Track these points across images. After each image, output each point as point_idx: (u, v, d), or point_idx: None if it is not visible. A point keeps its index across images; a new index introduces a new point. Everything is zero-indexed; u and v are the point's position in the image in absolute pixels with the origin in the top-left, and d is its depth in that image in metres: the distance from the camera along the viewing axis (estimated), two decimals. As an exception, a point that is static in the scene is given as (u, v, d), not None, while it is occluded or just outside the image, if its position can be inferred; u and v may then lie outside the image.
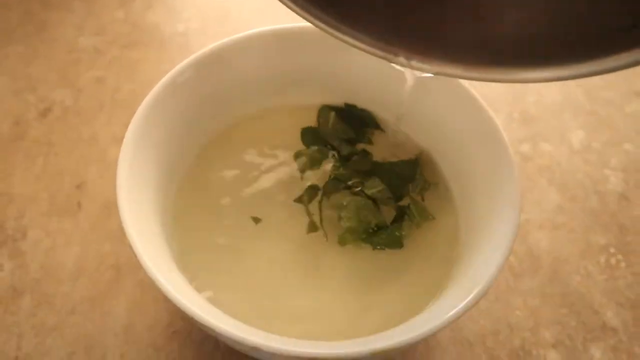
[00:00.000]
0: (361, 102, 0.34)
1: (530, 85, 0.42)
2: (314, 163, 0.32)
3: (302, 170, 0.32)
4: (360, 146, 0.34)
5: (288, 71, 0.33)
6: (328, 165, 0.33)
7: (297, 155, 0.33)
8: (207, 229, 0.30)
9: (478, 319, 0.32)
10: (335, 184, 0.31)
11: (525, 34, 0.22)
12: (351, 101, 0.34)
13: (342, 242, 0.30)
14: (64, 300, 0.32)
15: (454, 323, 0.22)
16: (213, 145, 0.33)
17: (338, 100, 0.34)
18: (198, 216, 0.30)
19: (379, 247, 0.30)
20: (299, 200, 0.31)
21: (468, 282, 0.23)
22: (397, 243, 0.30)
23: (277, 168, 0.32)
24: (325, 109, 0.34)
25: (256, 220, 0.31)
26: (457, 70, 0.22)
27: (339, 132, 0.33)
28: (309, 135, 0.33)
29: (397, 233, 0.30)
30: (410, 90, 0.28)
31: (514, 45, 0.22)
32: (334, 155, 0.33)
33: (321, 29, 0.23)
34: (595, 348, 0.32)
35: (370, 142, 0.34)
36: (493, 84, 0.42)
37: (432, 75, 0.24)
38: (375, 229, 0.30)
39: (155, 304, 0.32)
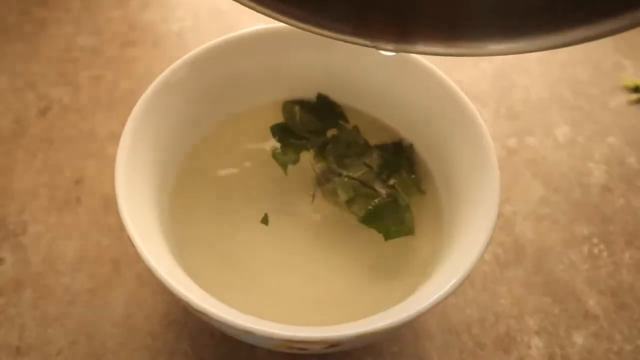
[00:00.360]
0: (351, 96, 0.35)
1: (517, 81, 0.43)
2: (292, 158, 0.34)
3: (284, 167, 0.33)
4: (332, 132, 0.35)
5: (282, 68, 0.34)
6: (307, 157, 0.34)
7: (274, 155, 0.34)
8: (202, 223, 0.31)
9: (464, 307, 0.33)
10: (324, 176, 0.33)
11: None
12: (344, 94, 0.35)
13: (365, 222, 0.31)
14: (65, 291, 0.33)
15: (435, 309, 0.23)
16: (208, 141, 0.34)
17: (331, 94, 0.35)
18: (193, 210, 0.32)
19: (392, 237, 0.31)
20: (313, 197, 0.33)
21: (448, 271, 0.24)
22: (409, 230, 0.31)
23: (270, 163, 0.34)
24: (288, 105, 0.35)
25: (252, 213, 0.32)
26: (438, 48, 0.22)
27: (308, 124, 0.34)
28: (279, 132, 0.34)
29: (406, 217, 0.31)
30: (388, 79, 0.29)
31: (492, 15, 0.22)
32: (309, 148, 0.34)
33: (298, 27, 0.23)
34: (578, 335, 0.33)
35: (339, 127, 0.35)
36: (481, 78, 0.43)
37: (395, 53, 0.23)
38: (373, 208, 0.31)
39: (152, 295, 0.33)
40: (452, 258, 0.25)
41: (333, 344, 0.22)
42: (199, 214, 0.32)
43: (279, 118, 0.35)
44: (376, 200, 0.31)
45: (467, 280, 0.32)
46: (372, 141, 0.34)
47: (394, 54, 0.26)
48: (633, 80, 0.44)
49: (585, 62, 0.45)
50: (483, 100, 0.42)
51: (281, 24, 0.28)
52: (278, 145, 0.34)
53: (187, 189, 0.32)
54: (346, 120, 0.35)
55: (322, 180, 0.33)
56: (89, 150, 0.38)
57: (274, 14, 0.23)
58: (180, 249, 0.29)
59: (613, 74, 0.44)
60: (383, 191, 0.32)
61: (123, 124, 0.28)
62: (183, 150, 0.33)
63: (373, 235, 0.31)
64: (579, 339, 0.33)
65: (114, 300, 0.32)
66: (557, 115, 0.42)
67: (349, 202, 0.32)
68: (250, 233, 0.31)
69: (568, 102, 0.43)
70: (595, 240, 0.36)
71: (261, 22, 0.32)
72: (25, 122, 0.39)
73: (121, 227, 0.33)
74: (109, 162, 0.37)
